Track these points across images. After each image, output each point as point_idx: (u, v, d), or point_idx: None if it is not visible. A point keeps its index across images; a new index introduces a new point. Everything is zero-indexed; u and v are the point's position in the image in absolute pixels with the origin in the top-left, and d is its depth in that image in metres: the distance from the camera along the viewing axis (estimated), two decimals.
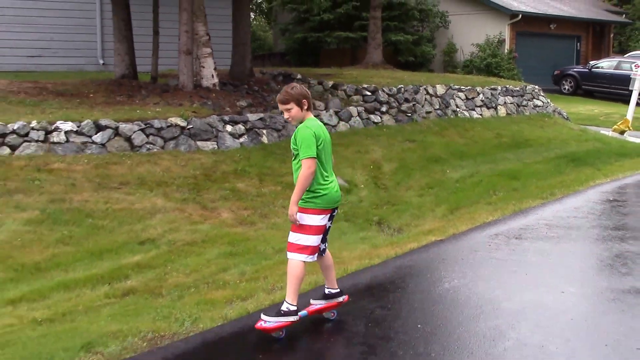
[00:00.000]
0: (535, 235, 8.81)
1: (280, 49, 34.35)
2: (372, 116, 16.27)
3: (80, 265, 8.20)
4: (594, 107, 27.58)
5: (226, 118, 13.18)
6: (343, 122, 15.48)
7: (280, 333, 5.48)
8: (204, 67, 15.37)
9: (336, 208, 5.72)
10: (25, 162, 10.69)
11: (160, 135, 12.18)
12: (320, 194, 5.46)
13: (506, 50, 30.94)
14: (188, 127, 12.49)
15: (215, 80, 15.42)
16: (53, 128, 11.45)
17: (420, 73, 24.10)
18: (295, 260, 5.49)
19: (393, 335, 5.60)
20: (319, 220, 5.50)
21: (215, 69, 15.52)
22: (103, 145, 11.60)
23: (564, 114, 22.21)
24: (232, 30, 18.08)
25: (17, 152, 11.00)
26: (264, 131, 13.55)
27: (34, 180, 10.18)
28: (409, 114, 17.06)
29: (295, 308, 5.48)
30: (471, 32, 31.50)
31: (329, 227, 5.76)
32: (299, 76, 18.51)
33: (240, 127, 13.22)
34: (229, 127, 13.05)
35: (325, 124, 14.71)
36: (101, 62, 21.73)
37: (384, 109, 16.69)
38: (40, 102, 13.56)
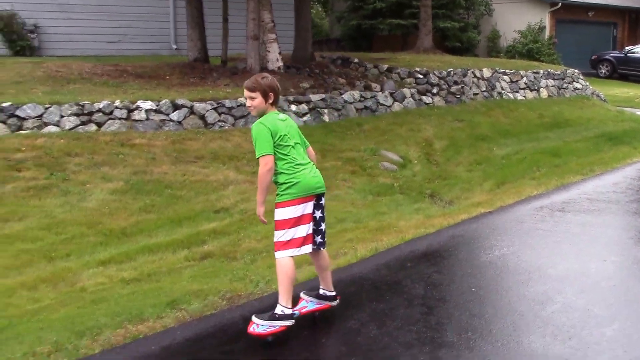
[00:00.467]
0: (577, 208, 8.71)
1: (335, 35, 34.23)
2: (424, 97, 16.18)
3: (162, 231, 8.36)
4: (629, 89, 26.98)
5: (291, 98, 13.25)
6: (397, 103, 15.43)
7: (273, 336, 4.79)
8: (269, 51, 15.43)
9: (321, 196, 4.99)
10: (110, 137, 10.91)
11: (231, 113, 12.31)
12: (293, 183, 4.78)
13: (546, 37, 30.43)
14: None
15: (280, 63, 15.48)
16: (134, 107, 11.65)
17: (467, 57, 23.82)
18: (283, 258, 4.82)
19: (449, 298, 5.62)
20: (300, 210, 4.81)
21: (279, 53, 15.58)
22: (179, 122, 11.77)
23: (602, 96, 21.79)
24: (295, 17, 18.14)
25: (102, 129, 11.23)
26: (325, 110, 13.59)
27: (118, 154, 10.39)
28: (458, 96, 16.94)
29: (290, 311, 4.81)
30: (513, 20, 31.02)
31: (320, 217, 5.01)
32: (355, 60, 18.48)
33: (304, 107, 13.28)
34: (293, 107, 13.12)
35: (381, 104, 14.80)
36: (174, 46, 21.93)
37: (434, 90, 16.60)
38: (121, 83, 13.77)
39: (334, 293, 5.21)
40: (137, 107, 11.65)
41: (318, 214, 4.98)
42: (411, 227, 8.12)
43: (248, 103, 4.91)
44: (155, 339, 4.96)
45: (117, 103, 11.56)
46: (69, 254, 7.51)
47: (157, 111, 11.74)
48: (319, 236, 5.02)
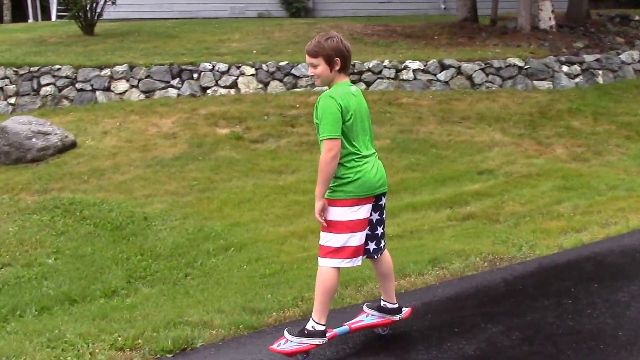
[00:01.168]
0: None
1: None
2: None
3: (425, 190, 8.48)
4: None
5: (562, 59, 12.73)
6: None
7: (305, 355, 4.01)
8: (541, 9, 14.90)
9: (382, 196, 4.07)
10: (378, 96, 11.22)
11: (499, 74, 12.11)
12: (350, 179, 3.88)
13: None
14: (525, 67, 12.27)
15: (552, 22, 14.88)
16: (402, 67, 11.88)
17: None
18: (326, 267, 3.97)
19: None
20: (354, 213, 3.90)
21: (552, 11, 14.98)
22: (446, 82, 11.81)
23: None
24: None
25: (371, 88, 11.59)
26: (600, 72, 12.89)
27: (385, 112, 10.66)
28: None
29: (322, 328, 3.98)
30: None
31: (377, 220, 4.09)
32: (637, 17, 17.34)
33: (576, 68, 12.69)
34: (564, 68, 12.59)
35: None
36: (442, 6, 21.86)
37: None
38: (390, 43, 14.04)
39: (396, 305, 4.34)
40: (405, 67, 11.86)
41: (375, 216, 4.08)
42: None
43: (310, 71, 4.07)
44: (416, 294, 5.08)
45: (386, 63, 11.84)
46: None
47: (424, 71, 11.87)
48: (373, 242, 4.13)
